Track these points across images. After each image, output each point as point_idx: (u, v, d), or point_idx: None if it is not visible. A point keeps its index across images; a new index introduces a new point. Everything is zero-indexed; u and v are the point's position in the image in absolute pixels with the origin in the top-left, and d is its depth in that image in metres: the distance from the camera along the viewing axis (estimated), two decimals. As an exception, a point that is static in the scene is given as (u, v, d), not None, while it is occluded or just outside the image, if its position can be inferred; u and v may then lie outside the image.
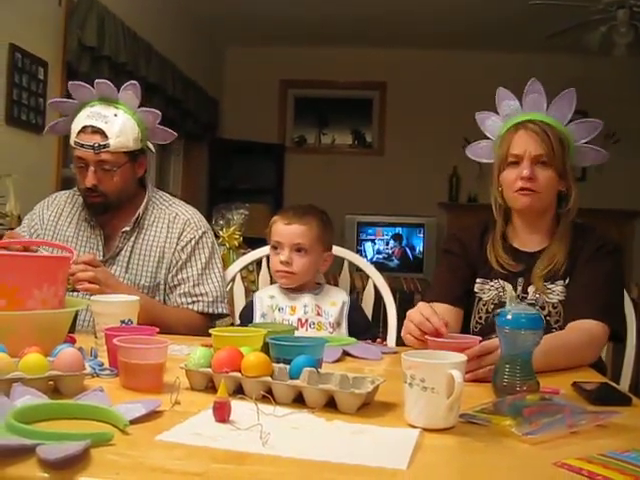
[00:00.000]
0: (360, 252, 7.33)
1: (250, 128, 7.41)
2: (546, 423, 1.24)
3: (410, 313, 1.81)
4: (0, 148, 3.54)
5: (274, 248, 2.29)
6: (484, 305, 2.16)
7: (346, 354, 1.88)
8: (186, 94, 6.02)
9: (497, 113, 2.21)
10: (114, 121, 2.28)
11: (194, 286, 2.38)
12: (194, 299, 2.38)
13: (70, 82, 2.41)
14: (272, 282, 2.51)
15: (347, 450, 1.11)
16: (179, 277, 2.39)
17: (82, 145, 2.26)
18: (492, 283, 2.17)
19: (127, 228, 2.38)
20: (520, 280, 2.12)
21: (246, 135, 7.32)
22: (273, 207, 6.70)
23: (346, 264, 2.58)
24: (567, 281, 2.09)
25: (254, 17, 6.67)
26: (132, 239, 2.39)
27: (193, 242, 2.41)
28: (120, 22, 4.55)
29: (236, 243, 3.88)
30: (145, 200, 2.43)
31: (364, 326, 2.29)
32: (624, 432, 1.29)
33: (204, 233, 2.44)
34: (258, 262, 2.66)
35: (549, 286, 2.09)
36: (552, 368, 1.76)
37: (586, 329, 1.94)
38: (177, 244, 2.40)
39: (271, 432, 1.15)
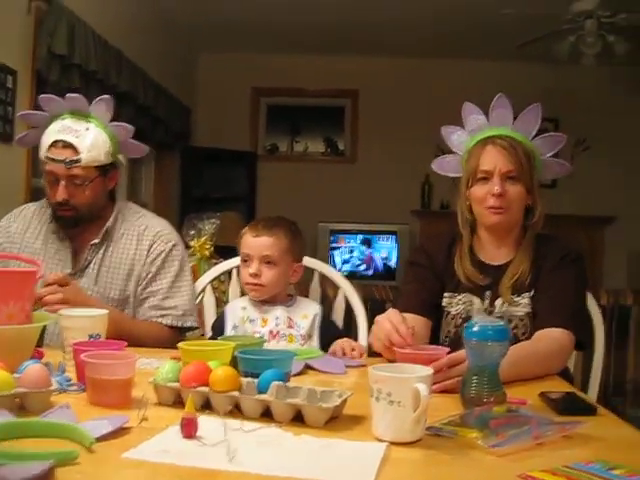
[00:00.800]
0: (332, 260, 7.34)
1: (222, 136, 7.40)
2: (512, 435, 1.25)
3: (379, 319, 1.81)
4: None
5: (244, 261, 2.28)
6: (452, 319, 2.17)
7: (308, 367, 1.87)
8: (157, 102, 5.99)
9: (463, 126, 2.22)
10: (85, 135, 2.26)
11: (163, 299, 2.37)
12: (163, 312, 2.36)
13: (41, 95, 2.38)
14: (243, 293, 2.51)
15: (314, 465, 1.12)
16: (148, 290, 2.37)
17: (53, 160, 2.24)
18: (460, 297, 2.17)
19: (96, 241, 2.36)
20: (487, 293, 2.13)
21: (218, 143, 7.31)
22: (246, 215, 6.69)
23: (316, 274, 2.58)
24: (532, 293, 2.11)
25: (226, 24, 6.66)
26: (101, 252, 2.37)
27: (163, 255, 2.39)
28: (90, 30, 4.52)
29: (207, 253, 3.87)
30: (114, 212, 2.41)
31: (336, 338, 2.29)
32: (589, 442, 1.30)
33: (174, 246, 2.43)
34: (229, 272, 2.65)
35: (515, 299, 2.11)
36: (521, 378, 1.77)
37: (554, 338, 1.96)
38: (147, 257, 2.38)
39: (238, 448, 1.15)
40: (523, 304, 2.10)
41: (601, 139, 7.35)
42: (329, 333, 2.27)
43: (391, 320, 1.77)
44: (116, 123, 2.35)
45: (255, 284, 2.24)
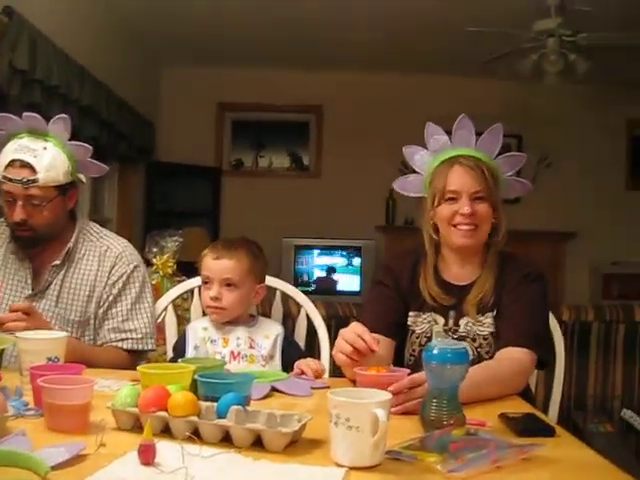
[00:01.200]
0: (297, 275, 7.33)
1: (187, 151, 7.36)
2: (471, 459, 1.25)
3: (343, 331, 1.82)
4: None
5: (204, 282, 2.27)
6: (417, 338, 2.18)
7: (275, 390, 1.87)
8: (121, 117, 5.94)
9: (426, 145, 2.24)
10: (43, 155, 2.23)
11: (123, 321, 2.35)
12: (123, 336, 2.34)
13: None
14: (205, 313, 2.49)
15: (272, 493, 1.11)
16: (108, 313, 2.35)
17: (10, 179, 2.20)
18: (425, 316, 2.18)
19: (57, 262, 2.33)
20: (452, 313, 2.14)
21: (183, 158, 7.27)
22: (210, 231, 6.68)
23: (278, 294, 2.57)
24: (495, 312, 2.13)
25: (190, 39, 6.64)
26: (62, 273, 2.34)
27: (124, 276, 2.37)
28: (52, 44, 4.47)
29: (170, 271, 3.85)
30: (75, 233, 2.38)
31: (298, 358, 2.29)
32: (547, 465, 1.31)
33: (135, 267, 2.41)
34: (192, 291, 2.64)
35: (480, 318, 2.13)
36: (482, 399, 1.79)
37: (515, 358, 1.98)
38: (108, 278, 2.36)
39: (196, 475, 1.14)
40: (487, 324, 2.12)
41: (563, 156, 7.45)
42: (291, 353, 2.26)
43: (354, 330, 1.78)
44: (75, 142, 2.33)
45: (216, 307, 2.23)
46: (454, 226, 2.12)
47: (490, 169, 2.13)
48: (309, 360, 2.16)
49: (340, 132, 7.69)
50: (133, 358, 2.32)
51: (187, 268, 3.82)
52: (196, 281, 2.49)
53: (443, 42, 6.27)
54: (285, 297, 2.61)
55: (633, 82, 6.57)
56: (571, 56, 5.31)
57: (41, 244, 2.32)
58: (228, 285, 2.23)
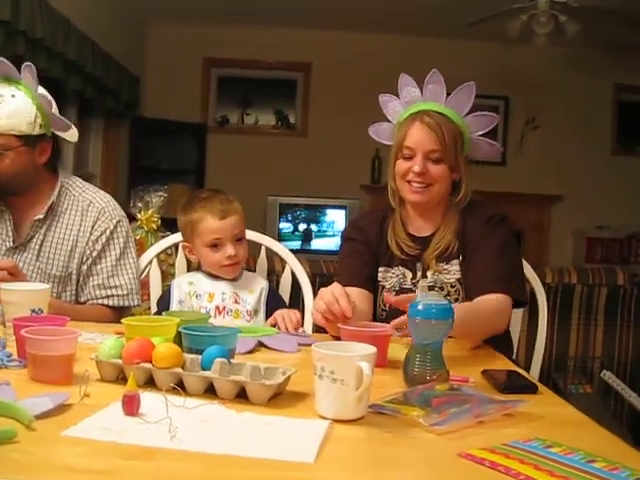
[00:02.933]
0: (281, 234, 7.32)
1: (172, 107, 7.29)
2: (453, 413, 1.26)
3: (321, 291, 1.82)
4: None
5: (213, 245, 2.25)
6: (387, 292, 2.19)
7: (261, 345, 1.87)
8: (107, 71, 5.87)
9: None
10: (8, 102, 2.17)
11: (108, 278, 2.34)
12: (108, 292, 2.33)
13: None
14: (189, 269, 2.49)
15: (256, 444, 1.12)
16: (93, 269, 2.34)
17: None
18: (393, 270, 2.22)
19: (40, 216, 2.30)
20: (418, 265, 2.18)
21: (168, 114, 7.21)
22: (195, 188, 6.63)
23: (263, 249, 2.57)
24: (461, 258, 2.15)
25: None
26: (44, 227, 2.32)
27: (107, 232, 2.35)
28: (37, -4, 4.42)
29: (154, 226, 3.83)
30: (58, 187, 2.35)
31: (277, 304, 2.30)
32: (529, 421, 1.32)
33: (118, 222, 2.38)
34: (176, 246, 2.63)
35: (445, 266, 2.16)
36: (466, 336, 1.84)
37: (491, 299, 2.01)
38: (91, 234, 2.34)
39: (180, 425, 1.14)
40: (453, 271, 2.15)
41: (551, 119, 7.45)
42: (276, 308, 2.27)
43: (333, 292, 1.78)
44: (40, 92, 2.25)
45: (235, 263, 2.24)
46: (408, 182, 2.14)
47: (453, 128, 2.13)
48: (285, 311, 2.17)
49: (327, 91, 7.65)
50: (118, 314, 2.30)
51: (171, 224, 3.80)
52: (180, 237, 2.47)
53: (430, 3, 6.21)
54: (269, 254, 2.61)
55: (621, 46, 6.54)
56: (561, 18, 5.28)
57: (11, 194, 2.29)
58: (238, 240, 2.26)
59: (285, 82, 7.91)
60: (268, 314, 2.26)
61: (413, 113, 2.15)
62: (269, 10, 6.87)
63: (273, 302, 2.31)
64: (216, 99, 7.90)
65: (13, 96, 2.19)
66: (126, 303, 2.36)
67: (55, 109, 2.31)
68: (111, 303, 2.34)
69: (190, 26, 7.40)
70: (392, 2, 6.35)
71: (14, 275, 2.02)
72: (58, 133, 2.35)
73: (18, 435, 1.07)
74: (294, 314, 2.16)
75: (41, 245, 2.31)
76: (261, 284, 2.33)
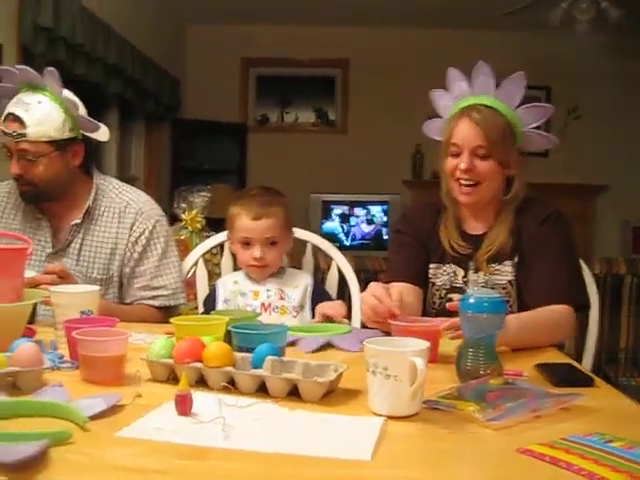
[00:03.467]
0: (325, 230, 7.31)
1: (212, 108, 7.33)
2: (509, 408, 1.24)
3: (363, 295, 1.79)
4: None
5: (244, 244, 2.25)
6: (437, 290, 2.16)
7: (328, 344, 1.82)
8: (146, 74, 5.92)
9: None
10: (36, 109, 2.19)
11: (152, 279, 2.34)
12: (153, 293, 2.34)
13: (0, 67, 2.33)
14: (235, 268, 2.49)
15: (310, 442, 1.11)
16: (136, 271, 2.34)
17: (5, 133, 2.19)
18: (445, 267, 2.16)
19: (77, 221, 2.31)
20: (471, 264, 2.11)
21: (208, 115, 7.25)
22: (237, 187, 6.66)
23: (309, 246, 2.56)
24: (516, 259, 2.08)
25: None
26: (82, 231, 2.32)
27: (147, 233, 2.34)
28: (77, 2, 4.45)
29: (199, 226, 3.85)
30: (94, 190, 2.35)
31: (323, 298, 2.29)
32: (586, 415, 1.30)
33: (157, 222, 2.38)
34: (221, 245, 2.63)
35: (497, 267, 2.09)
36: (525, 345, 1.79)
37: (552, 310, 1.95)
38: (130, 235, 2.34)
39: (233, 425, 1.14)
40: (505, 272, 2.09)
41: (593, 107, 7.32)
42: (322, 302, 2.26)
43: (374, 294, 1.75)
44: (66, 96, 2.25)
45: (260, 266, 2.23)
46: (457, 181, 2.08)
47: (504, 121, 2.05)
48: (329, 303, 2.16)
49: (366, 86, 7.62)
50: (164, 314, 2.31)
51: (215, 224, 3.82)
52: (225, 235, 2.47)
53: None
54: (314, 251, 2.60)
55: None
56: (603, 3, 5.19)
57: (48, 200, 2.30)
58: (271, 243, 2.23)
59: (323, 79, 7.89)
60: (314, 308, 2.25)
61: (462, 108, 2.08)
62: (305, 8, 6.87)
63: (319, 297, 2.29)
64: (255, 98, 7.92)
65: (39, 102, 2.20)
66: (172, 303, 2.36)
67: (83, 110, 2.31)
68: (157, 303, 2.34)
69: (227, 26, 7.43)
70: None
71: (64, 278, 2.04)
72: (90, 135, 2.33)
73: (73, 436, 1.08)
74: (340, 306, 2.14)
75: (80, 249, 2.32)
76: (305, 279, 2.32)
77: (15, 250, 1.76)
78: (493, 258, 2.09)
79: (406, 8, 6.75)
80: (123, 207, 2.36)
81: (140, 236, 2.34)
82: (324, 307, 2.17)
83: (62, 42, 4.25)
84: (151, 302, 2.34)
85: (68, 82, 2.30)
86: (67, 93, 2.26)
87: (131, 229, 2.34)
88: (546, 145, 2.19)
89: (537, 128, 2.13)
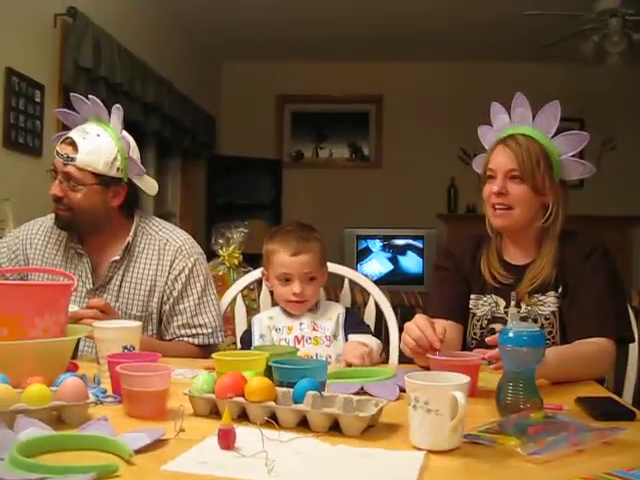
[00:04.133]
0: (359, 265, 7.32)
1: (247, 144, 7.42)
2: (551, 442, 1.24)
3: (407, 326, 1.80)
4: (-2, 172, 3.54)
5: (284, 280, 2.26)
6: (478, 321, 2.17)
7: (363, 392, 1.72)
8: (183, 112, 6.02)
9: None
10: (92, 139, 2.25)
11: (192, 317, 2.35)
12: (193, 331, 2.35)
13: (72, 95, 2.39)
14: (274, 303, 2.51)
15: (353, 476, 1.11)
16: (176, 309, 2.35)
17: (57, 153, 2.26)
18: (485, 298, 2.17)
19: (117, 257, 2.34)
20: (512, 294, 2.11)
21: (243, 151, 7.33)
22: (272, 223, 6.69)
23: (346, 281, 2.57)
24: (560, 290, 2.09)
25: (249, 32, 6.69)
26: (122, 268, 2.35)
27: (187, 271, 2.36)
28: (115, 42, 4.56)
29: (236, 262, 3.88)
30: (134, 227, 2.38)
31: (357, 325, 2.30)
32: (629, 448, 1.28)
33: (197, 260, 2.39)
34: (259, 281, 2.65)
35: (540, 298, 2.09)
36: (565, 379, 1.79)
37: (593, 342, 1.95)
38: (169, 273, 2.35)
39: (276, 459, 1.15)
40: (548, 303, 2.09)
41: (628, 138, 7.30)
42: (353, 328, 2.27)
43: (418, 325, 1.76)
44: (123, 136, 2.31)
45: (299, 301, 2.25)
46: (492, 206, 2.10)
47: (538, 149, 2.07)
48: (357, 351, 2.06)
49: (400, 121, 7.67)
50: (203, 352, 2.32)
51: (252, 259, 3.85)
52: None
53: (502, 28, 6.20)
54: (350, 285, 2.61)
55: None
56: (635, 35, 5.19)
57: (82, 231, 2.34)
58: (309, 279, 2.25)
59: (357, 115, 7.96)
60: (346, 336, 2.26)
61: (501, 138, 2.12)
62: (338, 44, 6.95)
63: (350, 323, 2.29)
64: (290, 134, 8.00)
65: (98, 135, 2.26)
66: (211, 341, 2.37)
67: (136, 153, 2.35)
68: (197, 342, 2.35)
69: (262, 63, 7.53)
70: (464, 28, 6.35)
71: (106, 313, 2.07)
72: (137, 182, 2.37)
73: (119, 469, 1.09)
74: (367, 355, 2.05)
75: (120, 286, 2.34)
76: (338, 310, 2.33)
77: (60, 286, 1.80)
78: (536, 289, 2.09)
79: (439, 43, 6.81)
80: (163, 244, 2.38)
81: (180, 274, 2.36)
82: (349, 355, 2.07)
83: (102, 82, 4.35)
84: (191, 340, 2.35)
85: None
86: (124, 134, 2.32)
87: (171, 266, 2.36)
88: (583, 173, 2.18)
89: (573, 157, 2.15)
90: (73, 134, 2.26)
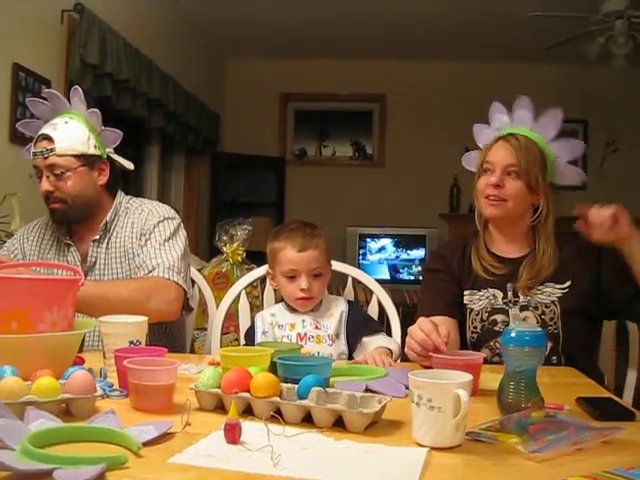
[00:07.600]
0: (362, 264, 7.33)
1: (251, 142, 7.44)
2: (551, 440, 1.26)
3: (411, 330, 1.82)
4: (4, 167, 3.55)
5: (290, 277, 2.28)
6: (477, 315, 2.21)
7: (369, 390, 1.71)
8: (187, 109, 6.04)
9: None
10: (62, 127, 2.32)
11: (151, 259, 2.34)
12: (150, 268, 2.31)
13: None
14: (277, 299, 2.52)
15: (357, 471, 1.13)
16: (139, 256, 2.36)
17: (35, 154, 2.31)
18: (481, 293, 2.22)
19: (96, 237, 2.39)
20: (509, 286, 2.17)
21: (247, 149, 7.35)
22: (275, 220, 6.72)
23: (349, 280, 2.59)
24: (569, 283, 2.15)
25: (254, 30, 6.71)
26: (104, 245, 2.40)
27: (152, 226, 2.40)
28: (121, 39, 4.58)
29: (239, 259, 3.90)
30: (114, 206, 2.44)
31: (361, 323, 2.31)
32: (628, 448, 1.30)
33: (167, 218, 2.43)
34: (263, 278, 2.66)
35: (539, 287, 2.16)
36: None
37: None
38: (140, 233, 2.39)
39: (282, 453, 1.17)
40: (548, 292, 2.15)
41: (631, 140, 7.30)
42: (355, 326, 2.28)
43: (423, 329, 1.78)
44: (90, 110, 2.37)
45: (307, 298, 2.26)
46: (486, 197, 2.16)
47: (536, 150, 2.15)
48: (381, 352, 2.10)
49: (403, 120, 7.68)
50: (160, 294, 2.27)
51: (255, 256, 3.87)
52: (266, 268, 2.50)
53: (506, 28, 6.21)
54: (353, 284, 2.62)
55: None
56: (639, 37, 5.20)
57: (75, 219, 2.38)
58: (316, 275, 2.27)
59: (361, 113, 7.97)
60: (349, 334, 2.27)
61: (499, 136, 2.19)
62: (342, 43, 6.97)
63: (355, 321, 2.31)
64: (293, 132, 8.02)
65: (66, 122, 2.34)
66: (166, 276, 2.30)
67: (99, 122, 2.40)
68: (151, 276, 2.31)
69: (266, 61, 7.55)
70: (468, 29, 6.37)
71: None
72: (115, 157, 2.44)
73: (128, 461, 1.11)
74: (387, 356, 2.08)
75: (104, 263, 2.39)
76: (341, 307, 2.33)
77: (68, 281, 1.82)
78: (534, 282, 2.16)
79: (442, 43, 6.82)
80: (138, 213, 2.44)
81: (146, 230, 2.40)
82: (371, 357, 2.07)
83: (108, 78, 4.36)
84: (148, 275, 2.31)
85: (113, 116, 2.40)
86: (92, 110, 2.38)
87: (142, 228, 2.41)
88: (576, 180, 2.26)
89: (569, 162, 2.23)
90: (43, 131, 2.32)
